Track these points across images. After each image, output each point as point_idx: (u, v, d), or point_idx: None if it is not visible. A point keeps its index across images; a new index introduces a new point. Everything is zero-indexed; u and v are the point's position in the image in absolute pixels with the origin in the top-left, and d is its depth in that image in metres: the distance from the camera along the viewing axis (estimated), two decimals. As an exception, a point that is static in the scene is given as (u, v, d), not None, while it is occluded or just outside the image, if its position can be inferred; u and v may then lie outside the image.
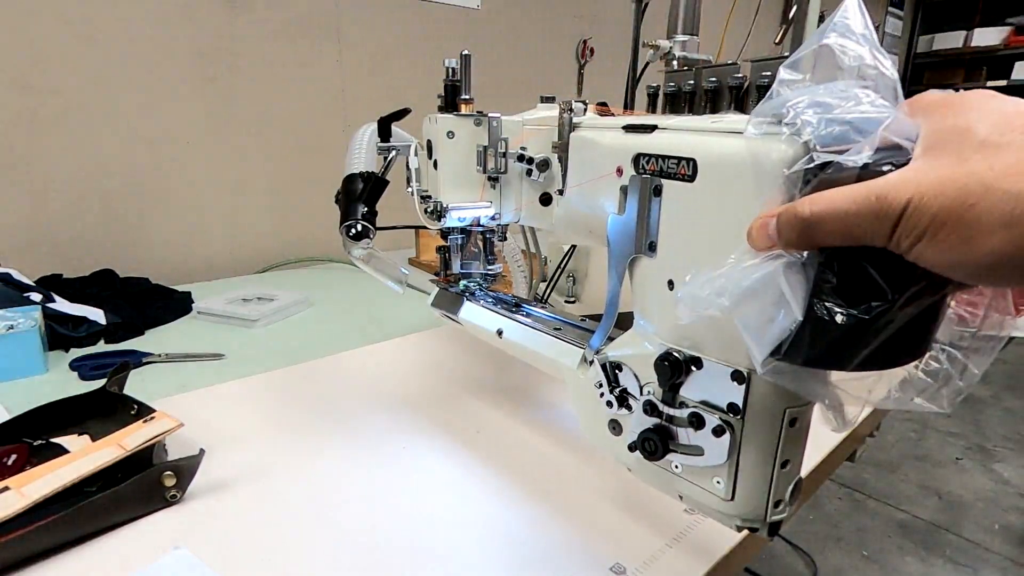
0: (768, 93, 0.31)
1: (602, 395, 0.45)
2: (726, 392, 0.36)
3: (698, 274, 0.32)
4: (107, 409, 0.59)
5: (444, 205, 0.61)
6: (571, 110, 0.50)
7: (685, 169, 0.36)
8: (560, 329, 0.55)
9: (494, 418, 0.67)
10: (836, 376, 0.32)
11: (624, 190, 0.41)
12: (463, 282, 0.67)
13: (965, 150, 0.25)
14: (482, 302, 0.64)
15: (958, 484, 1.98)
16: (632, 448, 0.42)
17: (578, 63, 2.07)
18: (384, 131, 0.66)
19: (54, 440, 0.56)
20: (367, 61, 1.53)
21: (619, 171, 0.42)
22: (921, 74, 4.31)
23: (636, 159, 0.40)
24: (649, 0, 1.26)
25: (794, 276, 0.29)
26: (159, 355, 0.82)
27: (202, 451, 0.52)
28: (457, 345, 0.87)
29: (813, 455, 0.61)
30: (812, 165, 0.28)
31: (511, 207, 0.63)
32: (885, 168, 0.27)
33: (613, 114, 0.51)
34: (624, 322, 0.45)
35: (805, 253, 0.29)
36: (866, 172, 0.27)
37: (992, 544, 1.71)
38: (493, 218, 0.64)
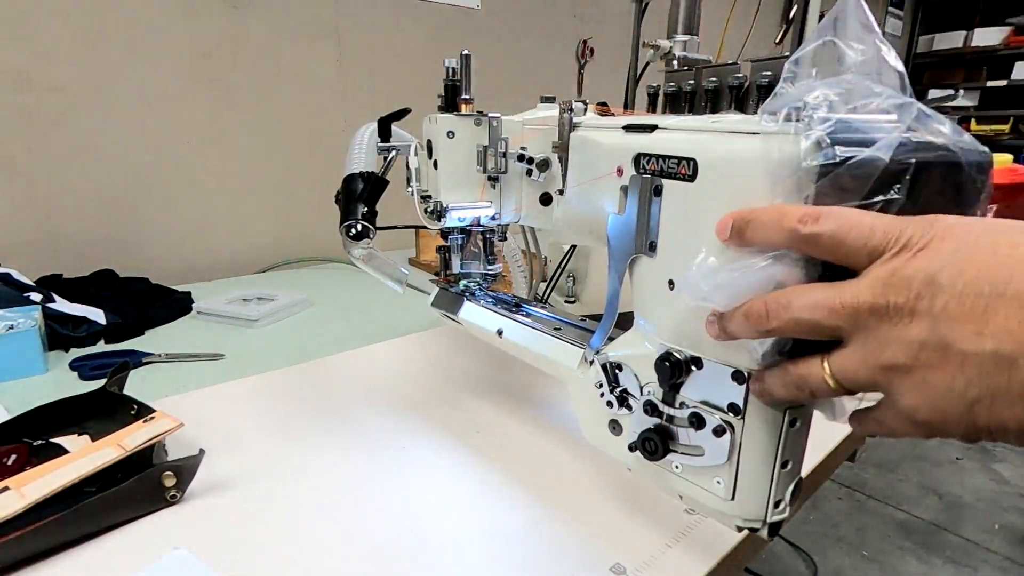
0: (775, 90, 0.31)
1: (602, 395, 0.45)
2: (726, 392, 0.36)
3: (703, 264, 0.33)
4: (107, 409, 0.59)
5: (444, 205, 0.60)
6: (571, 110, 0.50)
7: (685, 169, 0.36)
8: (560, 329, 0.55)
9: (494, 418, 0.67)
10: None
11: (624, 190, 0.41)
12: (463, 282, 0.67)
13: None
14: (482, 302, 0.63)
15: (958, 484, 1.98)
16: (632, 448, 0.42)
17: (578, 63, 2.07)
18: (384, 131, 0.66)
19: (54, 440, 0.56)
20: (367, 61, 1.52)
21: (619, 171, 0.42)
22: (921, 74, 4.30)
23: (636, 159, 0.40)
24: (649, 0, 1.26)
25: (794, 275, 0.29)
26: (159, 355, 0.82)
27: (202, 451, 0.51)
28: (457, 345, 0.87)
29: (813, 455, 0.61)
30: (827, 162, 0.28)
31: (511, 207, 0.63)
32: (908, 161, 0.27)
33: (613, 114, 0.51)
34: (624, 322, 0.45)
35: None
36: (891, 166, 0.27)
37: (992, 544, 1.71)
38: (493, 218, 0.64)
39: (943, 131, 0.28)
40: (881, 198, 0.27)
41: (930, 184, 0.28)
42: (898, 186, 0.27)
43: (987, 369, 0.23)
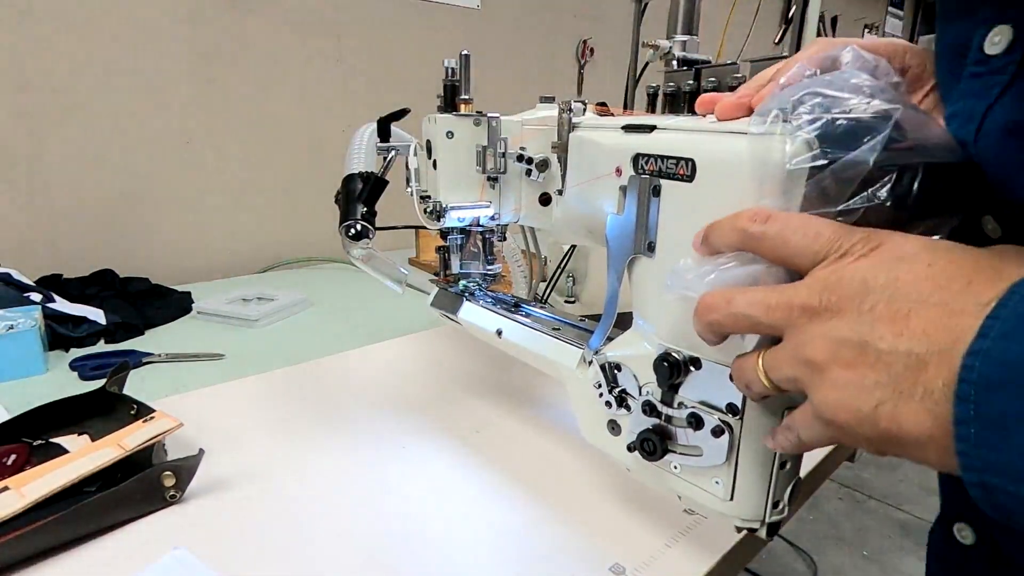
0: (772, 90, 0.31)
1: (601, 395, 0.45)
2: (725, 392, 0.36)
3: (684, 262, 0.33)
4: (107, 409, 0.60)
5: (444, 205, 0.60)
6: (570, 110, 0.50)
7: (684, 169, 0.36)
8: (559, 329, 0.55)
9: (494, 418, 0.67)
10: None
11: (623, 190, 0.41)
12: (463, 282, 0.67)
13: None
14: (481, 302, 0.64)
15: (958, 484, 1.97)
16: (631, 448, 0.42)
17: (578, 63, 2.07)
18: (384, 131, 0.66)
19: (54, 440, 0.56)
20: (367, 61, 1.52)
21: (618, 171, 0.42)
22: (921, 73, 4.29)
23: (635, 159, 0.40)
24: (649, 0, 1.26)
25: (754, 274, 0.29)
26: (159, 355, 0.82)
27: (202, 451, 0.52)
28: (457, 345, 0.87)
29: (813, 455, 0.61)
30: (815, 164, 0.28)
31: (510, 207, 0.63)
32: (889, 166, 0.26)
33: (613, 114, 0.51)
34: (624, 322, 0.45)
35: None
36: (874, 169, 0.27)
37: (992, 544, 1.70)
38: (493, 218, 0.64)
39: (937, 132, 0.28)
40: (864, 202, 0.27)
41: (917, 187, 0.27)
42: (883, 189, 0.27)
43: (897, 370, 0.23)
